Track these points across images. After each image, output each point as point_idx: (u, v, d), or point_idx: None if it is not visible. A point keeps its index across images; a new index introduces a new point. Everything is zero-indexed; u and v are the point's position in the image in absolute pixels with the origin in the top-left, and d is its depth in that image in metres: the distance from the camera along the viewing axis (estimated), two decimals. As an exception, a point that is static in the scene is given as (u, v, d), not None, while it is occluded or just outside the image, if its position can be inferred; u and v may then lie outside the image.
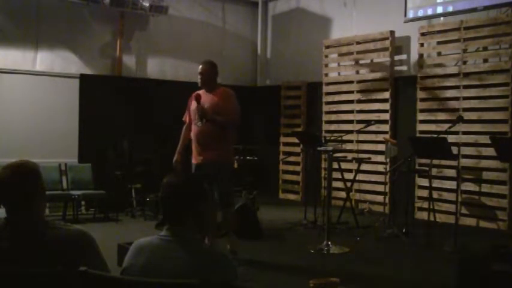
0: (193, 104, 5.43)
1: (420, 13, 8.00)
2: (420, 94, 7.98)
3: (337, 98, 9.18)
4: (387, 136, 8.06)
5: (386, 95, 8.43)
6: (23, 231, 2.24)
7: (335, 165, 7.27)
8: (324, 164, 8.36)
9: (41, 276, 2.12)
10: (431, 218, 6.58)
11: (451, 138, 6.53)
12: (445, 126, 6.60)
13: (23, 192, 2.26)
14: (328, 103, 9.30)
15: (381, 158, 8.01)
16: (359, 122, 8.63)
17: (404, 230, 6.44)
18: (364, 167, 8.18)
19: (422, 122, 7.94)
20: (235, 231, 6.08)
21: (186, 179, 2.30)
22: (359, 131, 8.30)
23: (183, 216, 2.24)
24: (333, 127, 9.08)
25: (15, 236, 2.23)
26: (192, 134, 5.45)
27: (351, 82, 8.97)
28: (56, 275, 2.11)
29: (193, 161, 5.45)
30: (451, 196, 7.12)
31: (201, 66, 5.55)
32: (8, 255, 2.19)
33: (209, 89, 5.45)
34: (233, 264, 2.23)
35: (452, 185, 7.07)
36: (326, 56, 9.41)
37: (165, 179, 2.28)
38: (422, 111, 7.96)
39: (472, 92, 7.44)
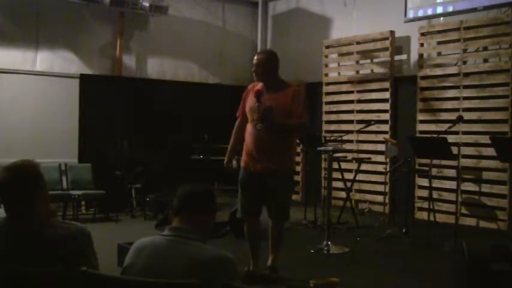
0: (250, 100, 4.62)
1: (420, 13, 8.00)
2: (420, 94, 7.98)
3: (337, 98, 9.17)
4: (387, 136, 8.06)
5: (387, 95, 8.43)
6: (23, 231, 2.24)
7: (335, 165, 7.27)
8: (324, 164, 8.35)
9: (41, 276, 2.13)
10: (431, 218, 6.58)
11: (451, 138, 6.52)
12: (445, 126, 6.59)
13: (23, 192, 2.27)
14: (328, 103, 9.30)
15: (381, 158, 8.01)
16: (359, 122, 8.62)
17: (404, 230, 6.43)
18: (364, 167, 8.18)
19: (422, 122, 7.93)
20: (236, 232, 6.08)
21: (209, 189, 2.47)
22: (359, 131, 8.30)
23: (193, 218, 2.28)
24: (333, 127, 9.08)
25: (16, 236, 2.24)
26: (248, 136, 4.65)
27: (351, 82, 8.97)
28: (56, 274, 2.12)
29: (243, 164, 4.71)
30: (451, 196, 7.12)
31: (256, 57, 4.62)
32: (8, 254, 2.19)
33: (271, 85, 4.59)
34: (234, 265, 2.23)
35: (452, 185, 7.07)
36: (326, 56, 9.41)
37: (188, 186, 2.40)
38: (422, 111, 7.96)
39: (472, 92, 7.44)
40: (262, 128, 4.49)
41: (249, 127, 4.64)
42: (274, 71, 4.65)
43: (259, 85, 4.66)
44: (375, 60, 8.72)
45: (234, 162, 4.92)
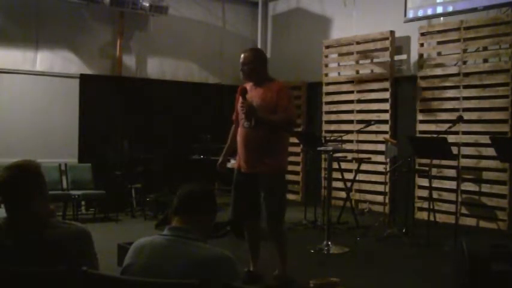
0: (239, 101, 4.57)
1: (420, 13, 8.00)
2: (420, 94, 7.98)
3: (337, 98, 9.17)
4: (387, 136, 8.06)
5: (387, 95, 8.43)
6: (23, 231, 2.24)
7: (335, 165, 7.27)
8: (324, 164, 8.35)
9: (41, 276, 2.13)
10: (431, 218, 6.58)
11: (451, 138, 6.53)
12: (445, 126, 6.59)
13: (24, 192, 2.27)
14: (328, 103, 9.30)
15: (380, 158, 8.01)
16: (359, 122, 8.63)
17: (404, 230, 6.44)
18: (364, 167, 8.18)
19: (422, 122, 7.93)
20: (236, 232, 6.08)
21: (209, 189, 2.48)
22: (359, 131, 8.30)
23: (193, 218, 2.28)
24: (333, 127, 9.08)
25: (16, 236, 2.24)
26: (238, 136, 4.59)
27: (351, 82, 8.97)
28: (56, 274, 2.12)
29: (236, 165, 4.68)
30: (451, 196, 7.12)
31: (242, 55, 4.57)
32: (9, 254, 2.19)
33: (258, 83, 4.56)
34: (234, 264, 2.23)
35: (452, 185, 7.07)
36: (326, 56, 9.41)
37: (188, 185, 2.40)
38: (422, 111, 7.96)
39: (472, 92, 7.44)
40: (250, 126, 4.45)
41: (239, 127, 4.62)
42: (262, 68, 4.62)
43: (248, 85, 4.61)
44: (375, 60, 8.72)
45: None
